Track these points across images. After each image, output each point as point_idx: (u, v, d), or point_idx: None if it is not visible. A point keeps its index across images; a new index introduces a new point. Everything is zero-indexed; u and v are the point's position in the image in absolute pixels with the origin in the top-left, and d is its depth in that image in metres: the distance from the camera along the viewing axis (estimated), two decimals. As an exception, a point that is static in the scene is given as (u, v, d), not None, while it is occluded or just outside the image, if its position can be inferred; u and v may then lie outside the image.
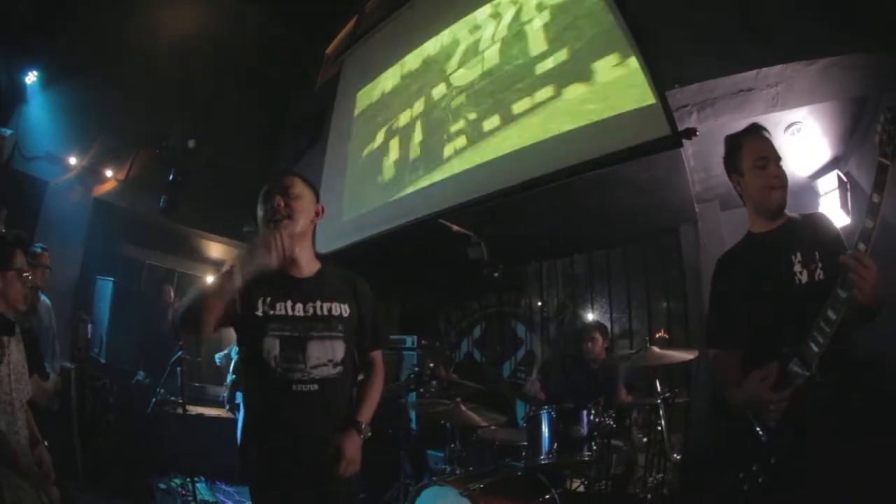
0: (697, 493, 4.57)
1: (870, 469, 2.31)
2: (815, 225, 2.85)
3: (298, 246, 2.85)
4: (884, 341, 2.68)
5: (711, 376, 5.20)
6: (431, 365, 5.35)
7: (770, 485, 2.46)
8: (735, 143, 3.00)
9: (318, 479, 2.71)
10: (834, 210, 5.31)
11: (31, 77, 8.45)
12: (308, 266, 2.93)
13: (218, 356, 9.17)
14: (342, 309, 2.88)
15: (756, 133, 2.96)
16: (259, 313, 2.73)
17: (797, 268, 2.69)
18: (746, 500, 2.55)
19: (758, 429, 2.56)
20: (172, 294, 9.94)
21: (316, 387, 2.72)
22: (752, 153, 2.89)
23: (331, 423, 2.78)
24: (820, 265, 2.64)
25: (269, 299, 2.75)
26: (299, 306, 2.79)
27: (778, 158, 2.87)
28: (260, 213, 2.87)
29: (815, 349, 2.41)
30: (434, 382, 5.38)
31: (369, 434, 2.87)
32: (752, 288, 2.77)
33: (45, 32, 8.42)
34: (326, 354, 2.77)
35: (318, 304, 2.83)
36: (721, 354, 2.90)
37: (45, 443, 3.31)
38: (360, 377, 3.06)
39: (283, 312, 2.75)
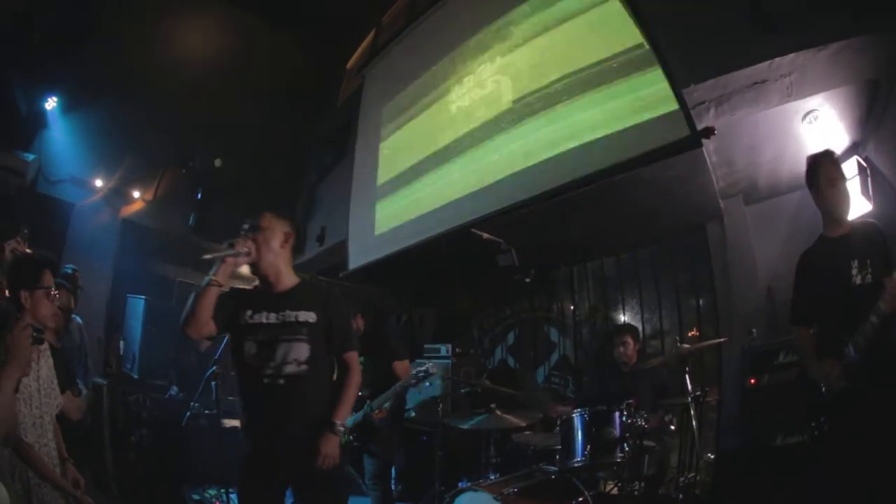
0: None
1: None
2: (869, 234, 3.63)
3: (273, 269, 3.39)
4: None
5: (742, 373, 5.22)
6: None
7: (833, 431, 3.45)
8: (814, 163, 3.78)
9: (292, 468, 3.21)
10: (855, 196, 5.25)
11: (51, 103, 8.60)
12: (285, 282, 3.43)
13: None
14: (308, 316, 3.33)
15: (828, 157, 3.78)
16: (243, 323, 3.31)
17: (854, 271, 3.50)
18: (818, 442, 3.57)
19: (826, 394, 3.48)
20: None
21: (283, 381, 3.21)
22: (826, 174, 3.70)
23: (298, 413, 3.24)
24: (870, 270, 3.44)
25: (250, 312, 3.32)
26: (272, 315, 3.31)
27: (845, 178, 3.73)
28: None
29: (862, 341, 3.28)
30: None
31: (342, 430, 3.35)
32: (823, 284, 3.66)
33: (63, 59, 8.54)
34: (292, 355, 3.24)
35: (288, 312, 3.32)
36: (802, 331, 3.84)
37: (71, 460, 3.47)
38: (337, 380, 3.54)
39: (259, 321, 3.30)
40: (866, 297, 3.30)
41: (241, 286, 3.56)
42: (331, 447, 3.22)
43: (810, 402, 3.65)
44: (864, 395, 3.30)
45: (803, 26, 4.68)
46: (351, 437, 5.09)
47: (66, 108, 8.77)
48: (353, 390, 3.47)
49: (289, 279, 3.45)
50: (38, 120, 8.63)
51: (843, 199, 3.68)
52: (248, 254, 3.26)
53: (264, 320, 3.29)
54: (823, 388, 3.49)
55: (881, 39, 4.55)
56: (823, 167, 3.71)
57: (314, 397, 3.33)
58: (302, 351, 3.26)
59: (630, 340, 6.01)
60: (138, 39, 9.31)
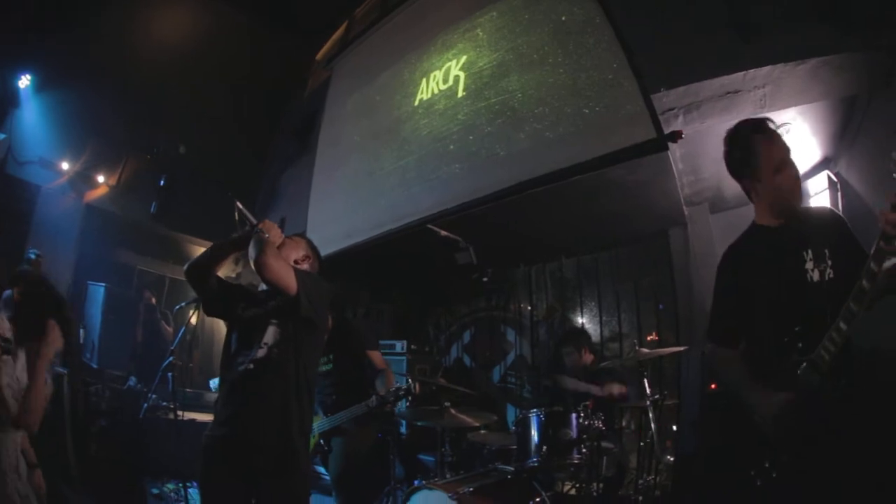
0: (698, 492, 4.55)
1: (873, 466, 2.42)
2: (825, 220, 2.79)
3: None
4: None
5: (702, 378, 5.21)
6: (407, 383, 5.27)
7: (783, 480, 2.49)
8: (747, 147, 2.83)
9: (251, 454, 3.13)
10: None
11: (25, 81, 8.44)
12: None
13: (213, 383, 9.15)
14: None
15: (768, 134, 2.82)
16: (237, 314, 3.46)
17: (808, 265, 2.63)
18: (759, 495, 2.57)
19: (767, 431, 2.56)
20: (153, 300, 9.87)
21: (252, 366, 3.24)
22: (770, 159, 2.76)
23: (261, 399, 3.20)
24: (830, 263, 2.60)
25: (244, 305, 3.49)
26: (256, 309, 3.45)
27: (790, 152, 2.79)
28: None
29: (827, 357, 2.40)
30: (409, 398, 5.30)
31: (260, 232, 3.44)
32: (762, 284, 2.72)
33: (39, 36, 8.41)
34: (269, 338, 3.31)
35: (263, 297, 3.49)
36: (723, 352, 2.90)
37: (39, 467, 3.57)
38: None
39: (249, 315, 3.44)
40: (827, 298, 2.48)
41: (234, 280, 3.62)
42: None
43: (742, 442, 2.76)
44: (827, 436, 2.44)
45: (784, 39, 4.73)
46: (321, 441, 4.95)
47: (39, 87, 8.63)
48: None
49: None
50: (11, 99, 8.46)
51: (795, 185, 2.78)
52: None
53: (250, 313, 3.45)
54: (766, 429, 2.58)
55: (864, 57, 4.60)
56: (764, 148, 2.77)
57: (280, 387, 3.26)
58: (274, 333, 3.32)
59: (574, 351, 6.01)
60: (112, 23, 9.23)
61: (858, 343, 2.53)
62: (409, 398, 5.24)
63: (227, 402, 3.27)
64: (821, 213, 2.88)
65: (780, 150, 2.77)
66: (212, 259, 3.48)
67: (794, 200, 2.77)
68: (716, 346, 2.95)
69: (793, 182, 2.76)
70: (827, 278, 2.58)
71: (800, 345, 2.52)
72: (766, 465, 2.55)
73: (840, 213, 2.89)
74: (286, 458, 3.15)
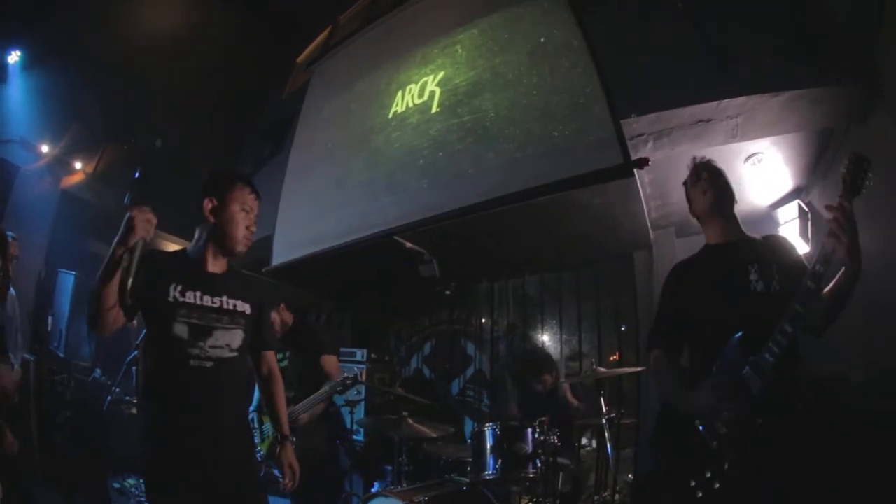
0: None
1: (818, 472, 2.58)
2: (774, 244, 3.00)
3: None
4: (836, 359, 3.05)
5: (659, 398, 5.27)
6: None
7: (725, 490, 2.54)
8: (687, 194, 3.30)
9: (215, 466, 2.90)
10: (793, 238, 5.43)
11: (14, 57, 8.34)
12: (217, 264, 3.18)
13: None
14: (245, 307, 3.16)
15: (691, 176, 3.25)
16: (170, 299, 2.94)
17: (753, 276, 2.82)
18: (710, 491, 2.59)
19: (708, 436, 2.65)
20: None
21: (211, 364, 2.96)
22: (691, 177, 3.24)
23: (222, 401, 3.00)
24: (777, 277, 2.78)
25: (179, 287, 2.98)
26: (207, 298, 3.04)
27: (711, 172, 3.16)
28: (237, 210, 3.15)
29: (770, 360, 2.51)
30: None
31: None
32: (706, 293, 2.90)
33: (33, 14, 8.32)
34: (225, 341, 3.03)
35: (225, 299, 3.10)
36: (662, 357, 3.02)
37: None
38: (266, 384, 3.46)
39: (192, 301, 2.99)
40: (771, 308, 2.60)
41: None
42: (293, 457, 3.28)
43: (680, 450, 2.83)
44: (771, 439, 2.52)
45: (758, 70, 4.82)
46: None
47: (27, 65, 8.53)
48: (283, 395, 3.45)
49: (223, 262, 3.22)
50: None
51: (704, 193, 3.12)
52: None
53: (198, 301, 3.00)
54: (708, 436, 2.66)
55: (841, 91, 4.70)
56: (690, 170, 3.27)
57: (238, 387, 3.17)
58: (236, 339, 3.08)
59: (548, 379, 6.09)
60: (101, 9, 9.16)
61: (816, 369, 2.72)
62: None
63: (183, 401, 2.91)
64: (770, 238, 3.08)
65: (700, 171, 3.21)
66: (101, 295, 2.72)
67: (709, 209, 3.10)
68: (654, 353, 3.08)
69: (706, 194, 3.10)
70: (773, 290, 2.76)
71: (743, 350, 2.62)
72: (708, 476, 2.59)
73: (789, 240, 3.09)
74: (248, 469, 3.14)
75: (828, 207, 2.49)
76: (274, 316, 5.49)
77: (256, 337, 3.27)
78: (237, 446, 3.03)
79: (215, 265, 3.16)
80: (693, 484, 2.62)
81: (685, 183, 3.28)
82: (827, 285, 2.60)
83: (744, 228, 3.10)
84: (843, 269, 2.55)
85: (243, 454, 3.08)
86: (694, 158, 3.30)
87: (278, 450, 3.28)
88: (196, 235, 3.18)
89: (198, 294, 3.01)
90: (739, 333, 2.67)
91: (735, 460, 2.54)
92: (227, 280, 3.17)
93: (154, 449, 2.90)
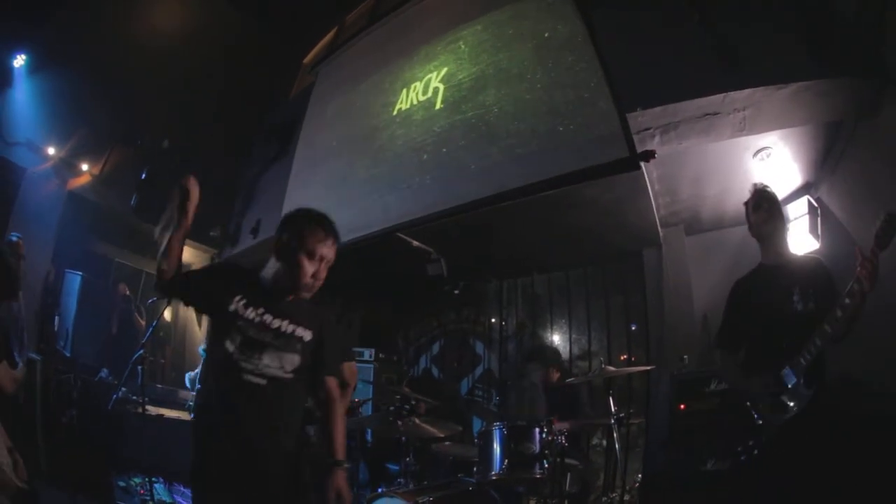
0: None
1: (831, 448, 3.18)
2: (814, 267, 3.63)
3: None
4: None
5: (671, 398, 5.23)
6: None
7: (763, 456, 3.35)
8: (746, 213, 3.87)
9: (254, 484, 2.86)
10: (803, 234, 5.38)
11: (20, 60, 8.31)
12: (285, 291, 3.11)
13: (189, 376, 9.01)
14: (305, 333, 3.07)
15: (756, 187, 3.86)
16: (231, 309, 2.94)
17: (795, 298, 3.50)
18: (745, 467, 3.42)
19: (754, 414, 3.44)
20: (127, 291, 9.74)
21: (265, 381, 2.90)
22: (752, 200, 3.81)
23: (274, 421, 2.96)
24: (813, 300, 3.44)
25: (243, 301, 2.97)
26: (269, 317, 2.99)
27: (773, 204, 3.75)
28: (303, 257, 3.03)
29: (804, 363, 3.25)
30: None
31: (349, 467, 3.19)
32: (759, 309, 3.62)
33: (38, 17, 8.31)
34: (279, 363, 2.96)
35: (286, 323, 3.02)
36: (726, 355, 3.82)
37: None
38: (322, 408, 3.25)
39: (251, 317, 2.96)
40: (807, 324, 3.28)
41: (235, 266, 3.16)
42: (344, 484, 3.00)
43: (736, 424, 3.59)
44: (802, 421, 3.26)
45: (765, 62, 4.73)
46: None
47: (33, 68, 8.47)
48: (344, 422, 3.24)
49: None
50: (4, 78, 8.30)
51: (765, 222, 3.73)
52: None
53: (257, 318, 2.98)
54: (754, 413, 3.45)
55: (851, 83, 4.61)
56: (752, 195, 3.83)
57: (292, 410, 3.10)
58: (292, 361, 3.02)
59: (540, 367, 6.02)
60: (107, 12, 9.16)
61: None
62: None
63: (230, 415, 2.91)
64: (810, 262, 3.72)
65: (758, 196, 3.80)
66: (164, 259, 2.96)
67: (767, 233, 3.74)
68: (720, 351, 3.86)
69: (763, 219, 3.73)
70: (809, 309, 3.43)
71: (786, 353, 3.33)
72: (751, 444, 3.40)
73: (825, 263, 3.64)
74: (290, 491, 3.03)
75: (860, 258, 3.03)
76: None
77: (315, 362, 3.16)
78: (280, 466, 2.96)
79: (282, 292, 3.10)
80: (739, 449, 3.46)
81: (746, 204, 3.86)
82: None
83: None
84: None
85: (285, 475, 2.97)
86: (755, 185, 3.87)
87: (329, 475, 3.04)
88: (270, 262, 3.12)
89: (259, 311, 2.99)
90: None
91: (771, 435, 3.32)
92: (293, 306, 3.10)
93: (196, 460, 2.93)
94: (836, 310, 3.11)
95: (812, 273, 3.59)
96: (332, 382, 3.26)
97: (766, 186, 3.85)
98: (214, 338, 3.01)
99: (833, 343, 3.22)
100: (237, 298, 2.96)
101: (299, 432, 3.13)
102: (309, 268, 2.99)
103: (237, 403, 2.90)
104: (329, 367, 3.25)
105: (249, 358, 2.90)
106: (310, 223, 3.09)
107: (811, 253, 4.80)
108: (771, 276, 3.68)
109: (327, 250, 3.05)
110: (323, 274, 3.04)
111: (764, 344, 3.55)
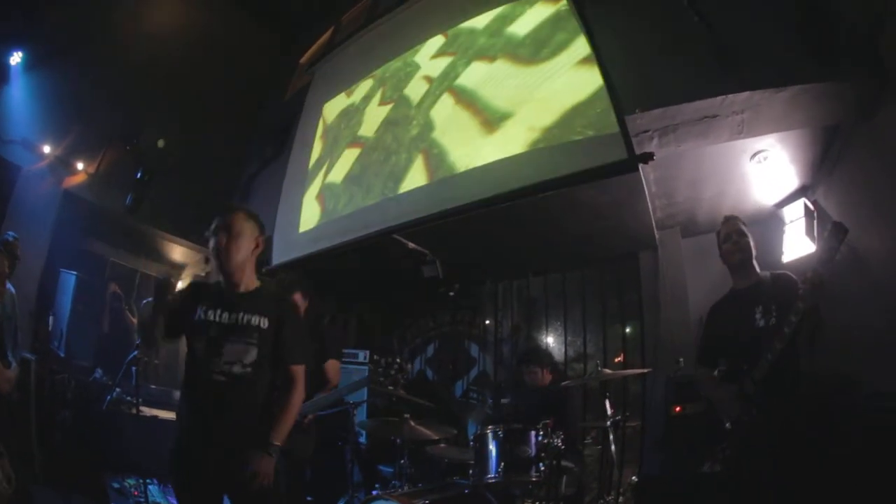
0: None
1: (794, 444, 3.48)
2: (779, 284, 3.94)
3: (239, 271, 3.43)
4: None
5: (666, 400, 5.26)
6: None
7: (733, 455, 3.69)
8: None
9: (221, 474, 3.15)
10: (799, 237, 5.37)
11: (16, 58, 8.28)
12: (247, 285, 3.49)
13: None
14: (261, 321, 3.38)
15: (727, 219, 4.26)
16: (196, 318, 3.33)
17: (758, 316, 3.88)
18: (720, 463, 3.78)
19: (725, 420, 3.78)
20: (118, 290, 9.68)
21: (224, 378, 3.22)
22: (723, 230, 4.20)
23: (237, 413, 3.23)
24: (774, 314, 3.80)
25: (206, 308, 3.35)
26: (225, 315, 3.35)
27: (740, 234, 4.13)
28: (210, 244, 3.46)
29: (757, 376, 3.62)
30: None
31: (278, 453, 3.27)
32: (729, 328, 4.03)
33: (31, 15, 8.29)
34: (238, 356, 3.28)
35: (241, 314, 3.36)
36: (703, 371, 4.14)
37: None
38: (279, 391, 3.50)
39: (212, 319, 3.33)
40: (767, 338, 3.64)
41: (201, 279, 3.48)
42: (265, 466, 3.16)
43: (711, 430, 3.91)
44: (759, 423, 3.61)
45: (764, 64, 4.72)
46: None
47: (29, 65, 8.46)
48: (294, 409, 3.44)
49: (252, 282, 3.52)
50: (0, 75, 8.29)
51: (732, 253, 4.12)
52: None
53: (215, 318, 3.33)
54: (724, 419, 3.79)
55: (848, 86, 4.61)
56: (722, 226, 4.22)
57: (251, 402, 3.32)
58: (250, 354, 3.30)
59: (537, 370, 5.99)
60: (104, 9, 9.19)
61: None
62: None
63: (196, 411, 3.28)
64: (778, 279, 4.02)
65: (728, 226, 4.21)
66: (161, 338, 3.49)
67: (735, 264, 4.14)
68: (699, 366, 4.24)
69: (732, 250, 4.13)
70: (770, 324, 3.79)
71: (749, 366, 3.70)
72: (723, 446, 3.75)
73: (794, 278, 3.85)
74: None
75: (804, 277, 3.49)
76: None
77: (275, 351, 3.42)
78: (246, 460, 3.13)
79: (243, 286, 3.48)
80: (716, 451, 3.79)
81: (718, 233, 4.24)
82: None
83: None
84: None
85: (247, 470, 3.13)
86: (725, 217, 4.27)
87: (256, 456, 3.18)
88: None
89: (218, 312, 3.35)
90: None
91: (740, 435, 3.68)
92: (247, 297, 3.45)
93: (170, 458, 3.28)
94: (783, 327, 3.52)
95: (777, 290, 3.91)
96: (296, 371, 3.48)
97: (735, 218, 4.23)
98: (188, 346, 3.37)
99: (809, 352, 3.64)
100: (201, 308, 3.34)
101: (265, 427, 3.26)
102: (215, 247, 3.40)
103: (205, 403, 3.23)
104: (291, 353, 3.47)
105: (212, 356, 3.24)
106: (213, 221, 3.48)
107: (802, 257, 5.22)
108: (740, 298, 4.09)
109: (221, 224, 3.43)
110: (223, 243, 3.38)
111: (732, 359, 3.90)
